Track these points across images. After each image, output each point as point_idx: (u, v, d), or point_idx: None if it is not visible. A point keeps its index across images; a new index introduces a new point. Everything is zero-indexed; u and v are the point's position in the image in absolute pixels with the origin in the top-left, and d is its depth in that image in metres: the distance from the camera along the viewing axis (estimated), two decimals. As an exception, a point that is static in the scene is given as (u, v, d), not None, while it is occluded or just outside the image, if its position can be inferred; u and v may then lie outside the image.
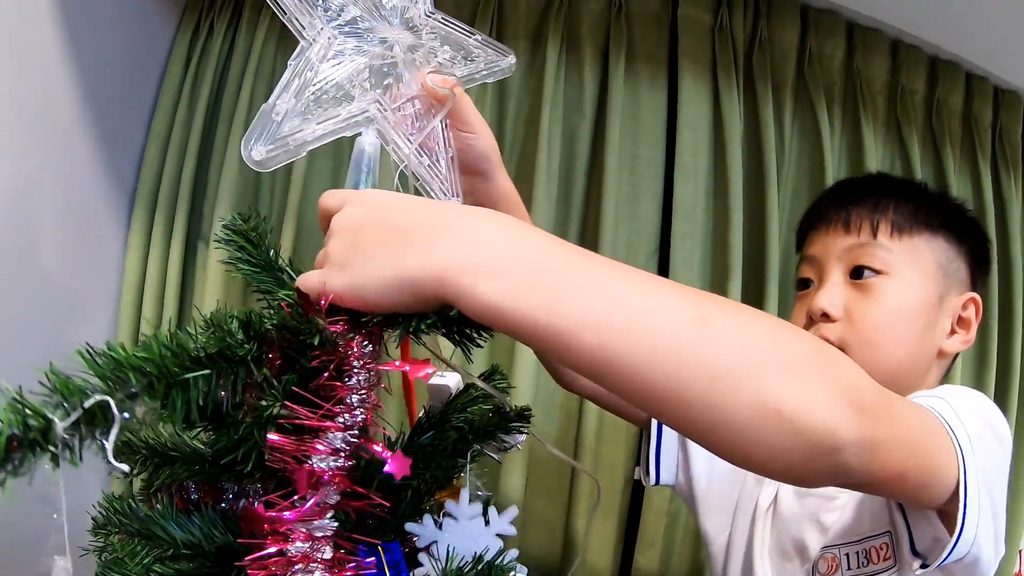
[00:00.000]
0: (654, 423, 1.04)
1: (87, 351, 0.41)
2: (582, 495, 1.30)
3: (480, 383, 0.55)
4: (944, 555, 0.65)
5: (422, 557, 0.53)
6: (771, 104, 1.47)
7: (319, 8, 0.61)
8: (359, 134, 0.62)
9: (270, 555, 0.41)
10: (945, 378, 0.95)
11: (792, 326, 0.51)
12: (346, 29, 0.63)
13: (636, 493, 1.37)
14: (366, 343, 0.46)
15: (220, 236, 0.61)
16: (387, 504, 0.46)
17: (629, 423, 1.19)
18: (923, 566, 0.71)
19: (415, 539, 0.55)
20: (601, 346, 0.45)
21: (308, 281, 0.50)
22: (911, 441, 0.57)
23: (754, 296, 1.41)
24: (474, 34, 0.72)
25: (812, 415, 0.46)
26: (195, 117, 1.36)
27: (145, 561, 0.56)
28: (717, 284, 1.39)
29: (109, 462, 0.39)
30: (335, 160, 1.37)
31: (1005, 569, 1.74)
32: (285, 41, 1.40)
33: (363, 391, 0.44)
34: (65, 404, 0.39)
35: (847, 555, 0.82)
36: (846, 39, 1.57)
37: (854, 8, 1.54)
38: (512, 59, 0.72)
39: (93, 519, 0.61)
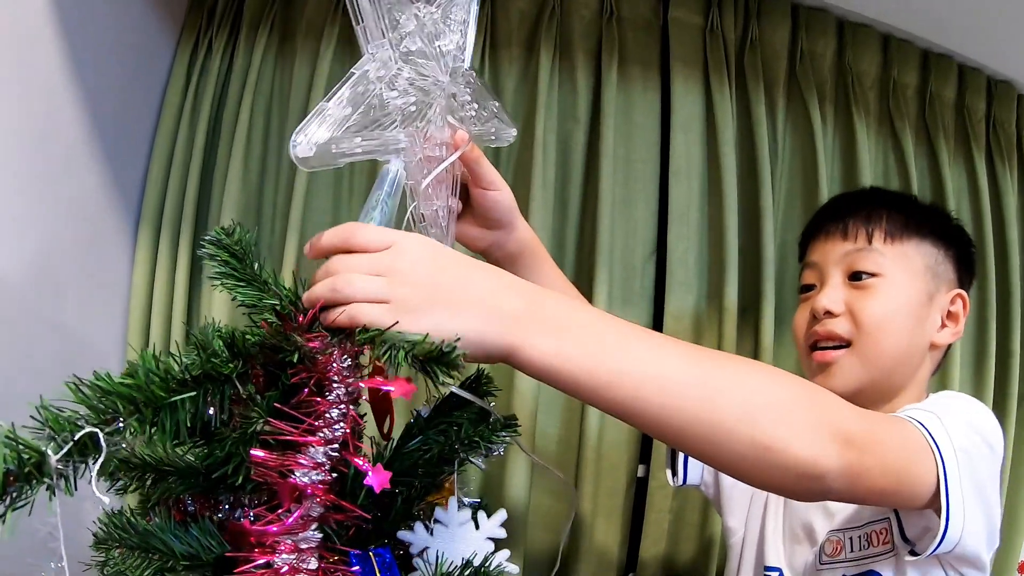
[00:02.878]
0: None
1: (75, 383, 0.42)
2: (587, 494, 1.31)
3: (465, 394, 0.56)
4: (933, 546, 0.73)
5: (416, 562, 0.54)
6: (763, 103, 1.47)
7: (390, 29, 0.63)
8: (387, 160, 0.64)
9: (258, 567, 0.42)
10: (940, 367, 1.04)
11: (783, 373, 0.62)
12: (407, 57, 0.65)
13: (640, 492, 1.37)
14: (345, 358, 0.47)
15: (205, 252, 0.62)
16: (368, 516, 0.47)
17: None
18: (913, 553, 0.79)
19: (410, 546, 0.56)
20: (626, 400, 0.57)
21: (370, 317, 0.52)
22: (890, 462, 0.67)
23: (751, 294, 1.41)
24: (496, 100, 0.77)
25: (797, 452, 0.57)
26: (197, 135, 1.37)
27: (145, 574, 0.57)
28: (714, 284, 1.39)
29: (94, 490, 0.40)
30: (335, 176, 1.38)
31: (1011, 557, 1.74)
32: (283, 58, 1.41)
33: (343, 405, 0.45)
34: (56, 437, 0.40)
35: (851, 539, 0.90)
36: (836, 36, 1.58)
37: (844, 6, 1.54)
38: (514, 131, 0.77)
39: (94, 534, 0.62)
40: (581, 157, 1.41)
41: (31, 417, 0.41)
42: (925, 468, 0.70)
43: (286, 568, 0.42)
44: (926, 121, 1.65)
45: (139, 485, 0.56)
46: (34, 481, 0.39)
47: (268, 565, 0.42)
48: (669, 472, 1.15)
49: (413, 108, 0.65)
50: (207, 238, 0.64)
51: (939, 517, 0.71)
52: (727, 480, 1.12)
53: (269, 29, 1.40)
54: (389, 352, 0.47)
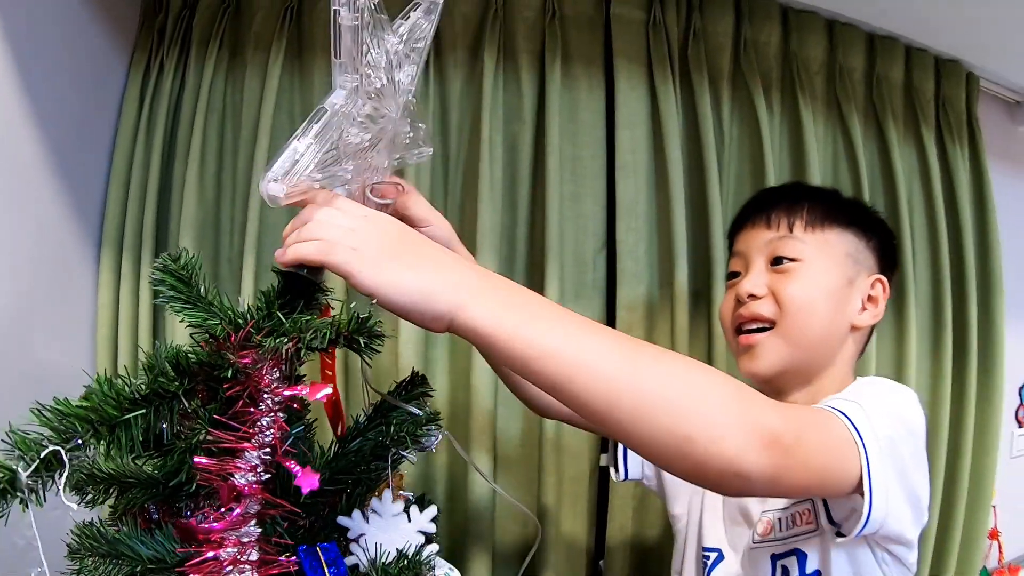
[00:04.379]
0: None
1: (37, 408, 0.50)
2: (550, 484, 1.40)
3: (388, 397, 0.64)
4: (858, 528, 0.78)
5: (353, 547, 0.62)
6: (708, 95, 1.54)
7: (362, 64, 0.68)
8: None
9: (205, 560, 0.50)
10: (864, 348, 1.09)
11: (715, 371, 0.67)
12: (371, 93, 0.70)
13: (603, 480, 1.46)
14: (274, 370, 0.54)
15: (153, 277, 0.68)
16: (299, 512, 0.55)
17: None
18: (840, 534, 0.85)
19: (348, 532, 0.64)
20: (557, 373, 0.62)
21: (341, 255, 0.61)
22: (814, 461, 0.72)
23: (702, 282, 1.49)
24: (422, 122, 0.82)
25: (720, 447, 0.61)
26: (152, 154, 1.42)
27: (115, 579, 0.65)
28: (664, 274, 1.48)
29: (63, 499, 0.48)
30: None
31: (981, 525, 1.84)
32: (233, 73, 1.47)
33: (272, 413, 0.53)
34: (24, 457, 0.47)
35: (779, 519, 0.97)
36: (781, 24, 1.63)
37: None
38: (430, 150, 0.83)
39: (68, 545, 0.70)
40: (528, 156, 1.48)
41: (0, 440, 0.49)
42: (849, 462, 0.75)
43: (228, 560, 0.50)
44: (874, 104, 1.72)
45: (106, 496, 0.64)
46: (8, 496, 0.47)
47: (215, 558, 0.50)
48: (612, 468, 1.22)
49: (367, 143, 0.71)
50: (155, 264, 0.71)
51: (863, 500, 0.76)
52: (666, 472, 1.16)
53: (219, 45, 1.44)
54: (316, 335, 0.55)
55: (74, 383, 1.28)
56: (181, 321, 0.66)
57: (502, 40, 1.47)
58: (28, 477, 0.48)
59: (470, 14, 1.47)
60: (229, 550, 0.50)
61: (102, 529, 0.67)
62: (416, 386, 0.70)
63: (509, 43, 1.48)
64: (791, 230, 1.03)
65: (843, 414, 0.77)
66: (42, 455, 0.47)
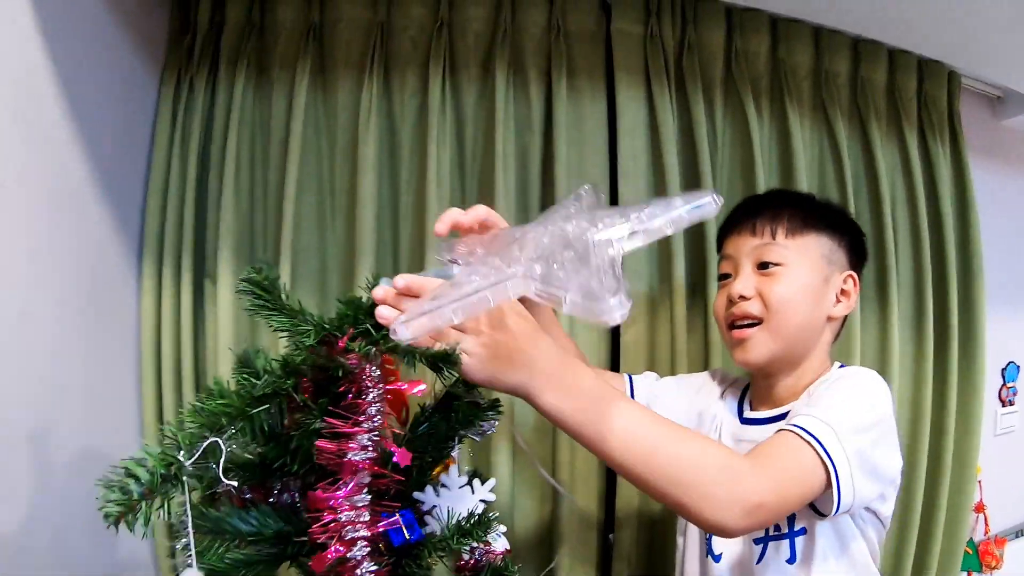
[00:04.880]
0: (626, 382, 1.37)
1: (193, 406, 0.63)
2: (564, 463, 1.55)
3: (457, 390, 0.78)
4: (832, 512, 0.98)
5: (428, 519, 0.76)
6: (702, 103, 1.67)
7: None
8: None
9: (328, 523, 0.64)
10: (840, 334, 1.27)
11: (718, 449, 0.93)
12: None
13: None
14: (374, 369, 0.68)
15: (240, 288, 0.81)
16: (401, 478, 0.69)
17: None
18: (819, 514, 1.03)
19: (422, 504, 0.78)
20: (599, 451, 0.85)
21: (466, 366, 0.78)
22: (792, 500, 0.96)
23: (697, 277, 1.64)
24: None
25: (707, 516, 0.86)
26: (188, 167, 1.54)
27: (220, 551, 0.78)
28: (663, 270, 1.63)
29: (222, 481, 0.61)
30: (317, 201, 1.59)
31: (965, 500, 1.99)
32: (261, 90, 1.59)
33: (377, 403, 0.67)
34: (183, 448, 0.61)
35: None
36: (770, 33, 1.76)
37: (774, 10, 1.72)
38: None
39: (172, 525, 0.83)
40: (538, 164, 1.62)
41: (164, 434, 0.62)
42: (820, 479, 0.96)
43: (347, 521, 0.64)
44: (858, 105, 1.85)
45: (241, 480, 0.77)
46: (175, 479, 0.61)
47: (336, 520, 0.64)
48: None
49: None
50: (242, 277, 0.83)
51: (833, 496, 0.96)
52: None
53: (246, 64, 1.56)
54: (407, 357, 0.69)
55: (122, 385, 1.41)
56: (269, 327, 0.79)
57: (511, 57, 1.59)
58: (191, 466, 0.62)
59: (481, 32, 1.60)
60: (347, 513, 0.65)
61: (204, 510, 0.81)
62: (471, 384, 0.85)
63: (518, 59, 1.61)
64: (774, 237, 1.19)
65: (813, 437, 0.97)
66: (203, 445, 0.61)
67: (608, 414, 0.84)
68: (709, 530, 0.97)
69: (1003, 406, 2.38)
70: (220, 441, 0.62)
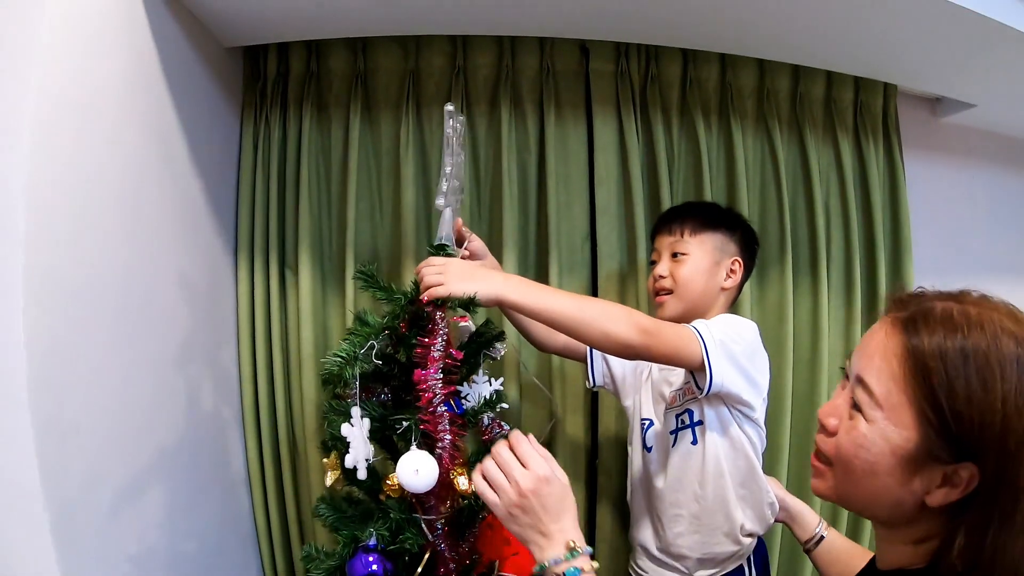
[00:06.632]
0: (587, 351, 1.90)
1: (352, 329, 1.25)
2: (557, 397, 2.12)
3: (479, 330, 1.42)
4: (707, 386, 1.48)
5: (464, 401, 1.39)
6: (661, 124, 2.18)
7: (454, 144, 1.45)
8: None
9: (423, 388, 1.26)
10: (734, 304, 1.82)
11: (617, 304, 1.45)
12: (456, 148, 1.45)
13: (594, 397, 2.18)
14: (440, 314, 1.30)
15: (358, 278, 1.41)
16: (460, 366, 1.32)
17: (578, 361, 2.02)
18: (699, 388, 1.55)
19: (465, 395, 1.40)
20: (549, 318, 1.39)
21: (440, 289, 1.34)
22: (669, 341, 1.43)
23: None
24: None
25: (619, 335, 1.38)
26: (271, 185, 2.10)
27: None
28: (630, 254, 2.18)
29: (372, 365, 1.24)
30: (370, 204, 2.16)
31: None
32: (321, 125, 2.14)
33: (444, 332, 1.28)
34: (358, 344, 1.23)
35: (677, 393, 1.70)
36: (719, 62, 2.22)
37: (723, 50, 2.16)
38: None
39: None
40: (534, 177, 2.17)
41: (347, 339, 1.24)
42: (694, 344, 1.45)
43: (432, 381, 1.26)
44: (797, 116, 2.26)
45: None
46: (357, 362, 1.22)
47: (431, 389, 1.25)
48: (585, 380, 1.94)
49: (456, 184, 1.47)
50: (359, 269, 1.42)
51: (707, 371, 1.45)
52: (618, 375, 1.89)
53: (310, 104, 2.11)
54: (453, 304, 1.31)
55: (227, 347, 1.99)
56: (375, 297, 1.39)
57: (512, 94, 2.13)
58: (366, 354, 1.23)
59: (489, 75, 2.15)
60: (434, 382, 1.26)
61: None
62: (488, 327, 1.48)
63: (517, 96, 2.15)
64: (682, 235, 1.76)
65: (692, 327, 1.48)
66: (367, 346, 1.22)
67: (556, 294, 1.40)
68: (617, 349, 1.39)
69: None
70: (375, 342, 1.24)
